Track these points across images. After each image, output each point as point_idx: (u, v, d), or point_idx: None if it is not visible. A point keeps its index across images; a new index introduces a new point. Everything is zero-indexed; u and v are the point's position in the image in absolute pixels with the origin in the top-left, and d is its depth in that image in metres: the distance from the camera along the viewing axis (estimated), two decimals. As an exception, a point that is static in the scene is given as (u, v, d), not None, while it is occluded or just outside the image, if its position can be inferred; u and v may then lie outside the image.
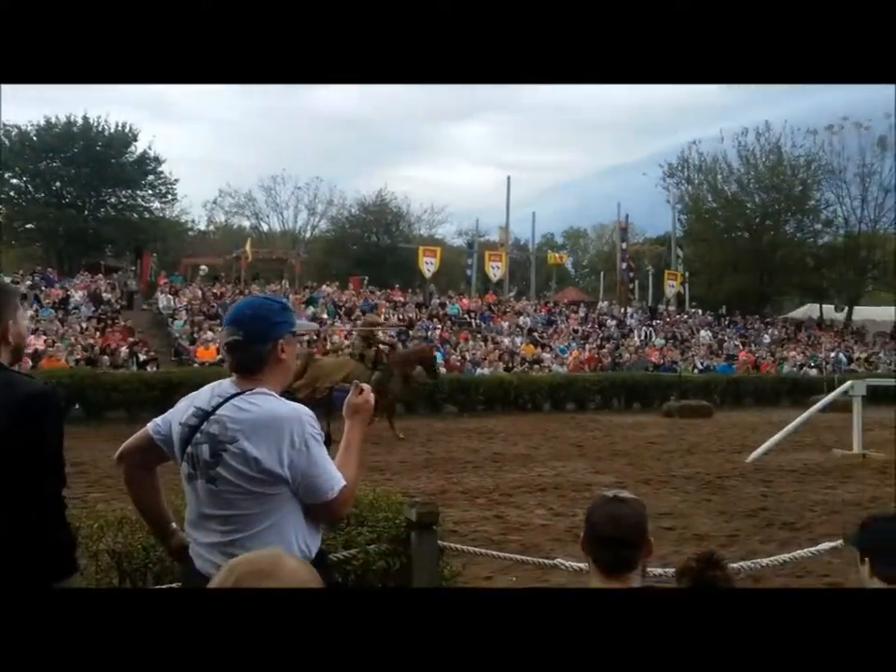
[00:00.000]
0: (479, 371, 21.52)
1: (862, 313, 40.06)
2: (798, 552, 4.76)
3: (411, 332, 18.55)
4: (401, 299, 28.80)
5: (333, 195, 48.93)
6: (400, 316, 25.95)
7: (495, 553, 4.43)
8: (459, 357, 22.48)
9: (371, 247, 44.80)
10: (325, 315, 24.46)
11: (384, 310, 25.96)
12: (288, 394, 9.67)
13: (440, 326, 25.60)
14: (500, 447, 13.43)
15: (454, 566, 4.27)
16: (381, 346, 14.40)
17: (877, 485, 10.24)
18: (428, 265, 32.01)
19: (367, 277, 32.27)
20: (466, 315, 28.57)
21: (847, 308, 38.83)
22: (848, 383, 13.89)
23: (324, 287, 28.70)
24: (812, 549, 4.84)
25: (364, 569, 3.69)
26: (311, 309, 24.54)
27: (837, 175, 38.50)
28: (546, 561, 4.14)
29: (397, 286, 30.80)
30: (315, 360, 13.66)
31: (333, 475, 2.35)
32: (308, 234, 50.83)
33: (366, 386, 2.63)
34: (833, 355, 29.48)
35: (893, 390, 22.64)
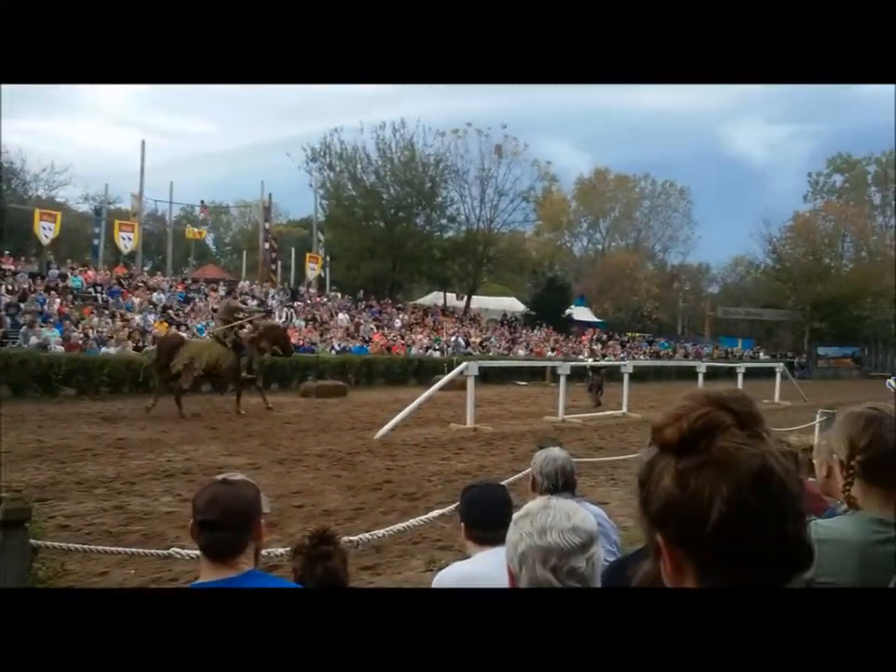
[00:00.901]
0: (104, 349, 19.76)
1: (479, 301, 44.98)
2: (413, 520, 5.15)
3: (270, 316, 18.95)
4: (12, 267, 25.18)
5: (-78, 141, 41.09)
6: (9, 287, 22.72)
7: (96, 547, 4.01)
8: (81, 335, 20.41)
9: (-27, 206, 38.55)
10: None
11: None
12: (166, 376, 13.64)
13: (59, 299, 22.94)
14: (125, 432, 12.48)
15: (52, 565, 3.80)
16: (242, 331, 15.90)
17: (485, 455, 11.56)
18: (46, 231, 28.35)
19: (-34, 240, 27.65)
20: (91, 289, 26.03)
21: (466, 297, 43.18)
22: (464, 364, 15.43)
23: None
24: (425, 517, 5.28)
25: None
26: None
27: (461, 176, 42.67)
28: (161, 552, 3.90)
29: (6, 252, 26.89)
30: (186, 342, 15.44)
31: None
32: None
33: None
34: (453, 339, 32.61)
35: (501, 371, 25.87)
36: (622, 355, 35.81)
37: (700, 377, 20.96)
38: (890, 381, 22.03)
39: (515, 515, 1.78)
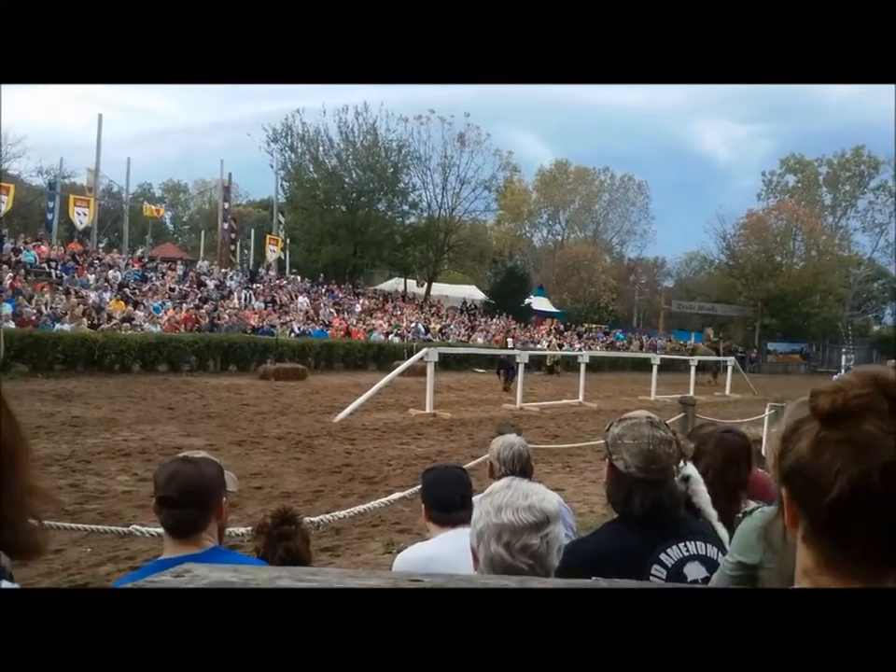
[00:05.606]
0: (58, 326, 19.38)
1: (439, 289, 45.04)
2: (373, 503, 5.22)
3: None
4: (-39, 239, 24.51)
5: None
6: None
7: (53, 523, 3.90)
8: (34, 311, 19.97)
9: (-80, 175, 37.25)
10: None
11: None
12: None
13: (11, 274, 22.37)
14: (80, 410, 12.31)
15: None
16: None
17: (444, 441, 11.68)
18: (-2, 204, 27.62)
19: (-89, 211, 26.74)
20: (45, 265, 25.44)
21: (426, 284, 43.17)
22: (424, 350, 15.52)
23: None
24: (384, 499, 5.35)
25: None
26: None
27: (423, 162, 42.50)
28: (122, 529, 3.90)
29: (-45, 224, 26.16)
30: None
31: None
32: None
33: None
34: (413, 325, 32.63)
35: (460, 358, 26.01)
36: (578, 346, 36.23)
37: (654, 369, 21.36)
38: (837, 377, 22.77)
39: (480, 495, 1.83)
